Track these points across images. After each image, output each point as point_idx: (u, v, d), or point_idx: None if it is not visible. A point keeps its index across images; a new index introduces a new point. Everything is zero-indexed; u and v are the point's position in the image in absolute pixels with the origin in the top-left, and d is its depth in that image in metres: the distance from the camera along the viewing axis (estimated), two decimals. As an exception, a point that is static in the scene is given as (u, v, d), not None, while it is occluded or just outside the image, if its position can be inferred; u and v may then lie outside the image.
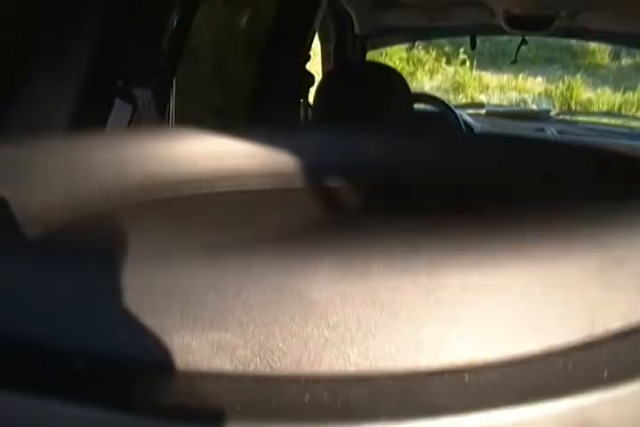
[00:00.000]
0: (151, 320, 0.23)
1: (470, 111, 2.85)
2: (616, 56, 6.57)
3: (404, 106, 1.40)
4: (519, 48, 2.69)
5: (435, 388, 0.22)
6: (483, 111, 2.94)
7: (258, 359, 0.22)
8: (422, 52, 6.25)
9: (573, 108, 5.67)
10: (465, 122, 2.54)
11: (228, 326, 0.22)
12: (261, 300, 0.22)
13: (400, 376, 0.22)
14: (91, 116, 0.91)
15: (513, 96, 5.84)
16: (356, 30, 2.42)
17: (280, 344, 0.22)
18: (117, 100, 0.95)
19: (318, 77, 1.70)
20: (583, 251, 0.25)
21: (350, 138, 0.67)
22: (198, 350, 0.22)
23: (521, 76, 6.24)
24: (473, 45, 2.86)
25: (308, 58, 1.94)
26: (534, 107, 4.62)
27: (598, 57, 6.57)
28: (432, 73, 6.35)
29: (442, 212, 0.44)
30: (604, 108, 5.70)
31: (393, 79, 1.39)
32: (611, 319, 0.25)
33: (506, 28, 2.25)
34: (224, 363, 0.22)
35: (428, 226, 0.26)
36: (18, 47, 0.86)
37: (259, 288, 0.22)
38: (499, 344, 0.23)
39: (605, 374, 0.23)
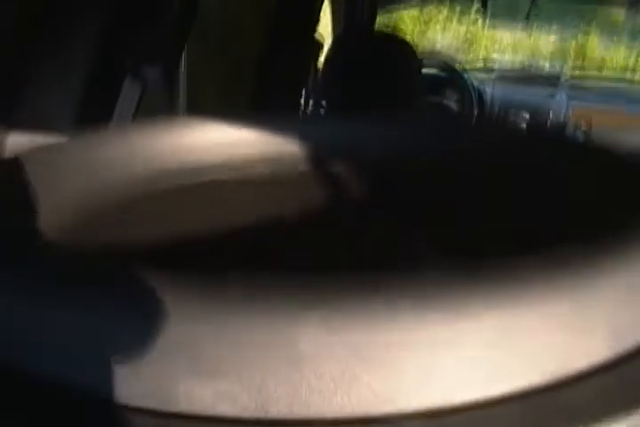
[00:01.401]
0: (157, 369, 0.25)
1: (480, 75, 2.84)
2: (632, 14, 6.43)
3: (412, 74, 1.39)
4: (532, 4, 2.64)
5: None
6: (493, 75, 2.92)
7: (254, 405, 0.25)
8: (434, 11, 6.15)
9: (587, 68, 5.59)
10: (474, 87, 2.54)
11: (227, 376, 0.25)
12: (257, 352, 0.25)
13: (378, 421, 0.25)
14: (100, 95, 0.93)
15: (524, 57, 5.75)
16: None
17: (273, 392, 0.25)
18: (127, 80, 0.96)
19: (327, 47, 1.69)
20: (547, 296, 0.28)
21: (353, 125, 0.68)
22: (202, 398, 0.25)
23: (533, 35, 6.13)
24: (484, 3, 2.81)
25: (318, 20, 1.93)
26: (546, 69, 4.56)
27: (613, 14, 6.43)
28: (443, 31, 6.26)
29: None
30: (619, 70, 5.61)
31: (401, 47, 1.38)
32: (573, 361, 0.28)
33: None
34: (225, 408, 0.25)
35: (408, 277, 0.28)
36: (25, 28, 0.87)
37: (255, 342, 0.25)
38: (466, 390, 0.26)
39: (566, 416, 0.25)
